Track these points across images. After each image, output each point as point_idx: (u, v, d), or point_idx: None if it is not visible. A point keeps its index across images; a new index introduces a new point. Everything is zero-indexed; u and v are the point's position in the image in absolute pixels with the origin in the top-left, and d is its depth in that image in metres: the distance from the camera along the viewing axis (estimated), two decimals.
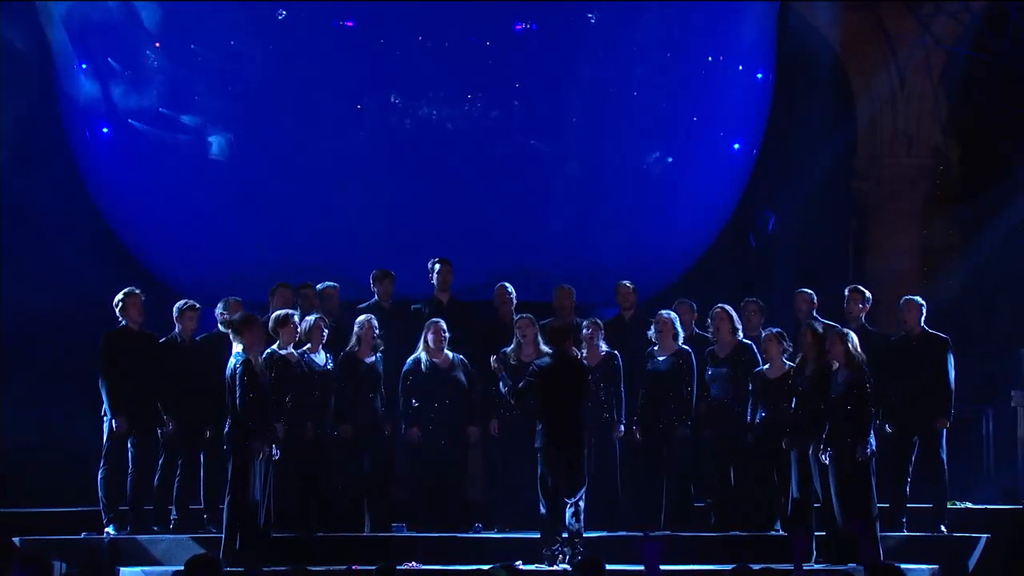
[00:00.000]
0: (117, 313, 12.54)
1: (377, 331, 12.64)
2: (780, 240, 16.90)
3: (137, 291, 12.57)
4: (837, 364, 11.80)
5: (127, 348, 12.46)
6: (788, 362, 12.31)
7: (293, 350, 12.23)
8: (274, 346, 12.08)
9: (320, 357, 12.47)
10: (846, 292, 13.15)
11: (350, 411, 12.60)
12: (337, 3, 14.02)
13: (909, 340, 12.85)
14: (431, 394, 12.66)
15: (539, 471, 11.77)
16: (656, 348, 12.78)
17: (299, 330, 12.24)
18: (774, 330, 12.43)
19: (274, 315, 12.21)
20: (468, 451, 12.97)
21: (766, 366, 12.43)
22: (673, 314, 12.80)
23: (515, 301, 13.25)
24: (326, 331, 12.46)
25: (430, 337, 12.64)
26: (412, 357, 12.72)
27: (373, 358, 12.69)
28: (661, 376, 12.71)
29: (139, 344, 12.52)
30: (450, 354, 12.74)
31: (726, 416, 12.67)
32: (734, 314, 12.82)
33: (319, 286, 13.13)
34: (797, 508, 12.00)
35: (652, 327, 12.77)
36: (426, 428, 12.65)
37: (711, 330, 12.89)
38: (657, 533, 12.46)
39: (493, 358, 12.09)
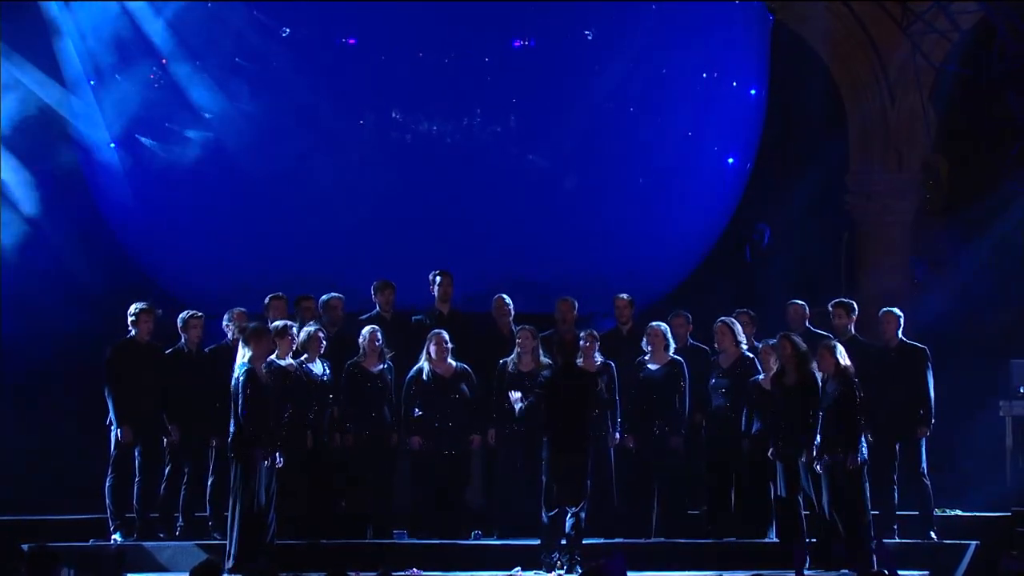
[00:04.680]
0: (128, 323, 12.69)
1: (380, 340, 12.73)
2: (774, 253, 17.07)
3: (156, 310, 12.70)
4: (823, 375, 11.99)
5: (133, 358, 12.60)
6: None
7: (292, 360, 12.32)
8: (272, 356, 12.09)
9: (317, 367, 12.59)
10: (830, 308, 13.25)
11: (353, 421, 12.72)
12: (339, 19, 14.16)
13: (887, 351, 13.03)
14: (433, 403, 12.79)
15: (545, 481, 11.91)
16: (647, 358, 12.94)
17: (296, 341, 12.31)
18: (771, 342, 12.56)
19: (271, 325, 12.25)
20: (471, 459, 13.09)
21: (761, 376, 12.62)
22: (664, 325, 12.95)
23: (513, 313, 13.42)
24: (324, 342, 12.56)
25: (432, 348, 12.79)
26: (415, 367, 12.86)
27: (381, 367, 12.80)
28: (654, 385, 12.84)
29: (145, 354, 12.66)
30: (454, 363, 12.87)
31: (727, 426, 12.82)
32: (736, 326, 12.96)
33: (324, 297, 13.24)
34: (786, 516, 12.17)
35: (644, 338, 12.95)
36: (429, 437, 12.78)
37: (715, 343, 13.03)
38: (647, 540, 12.70)
39: (516, 395, 12.30)
